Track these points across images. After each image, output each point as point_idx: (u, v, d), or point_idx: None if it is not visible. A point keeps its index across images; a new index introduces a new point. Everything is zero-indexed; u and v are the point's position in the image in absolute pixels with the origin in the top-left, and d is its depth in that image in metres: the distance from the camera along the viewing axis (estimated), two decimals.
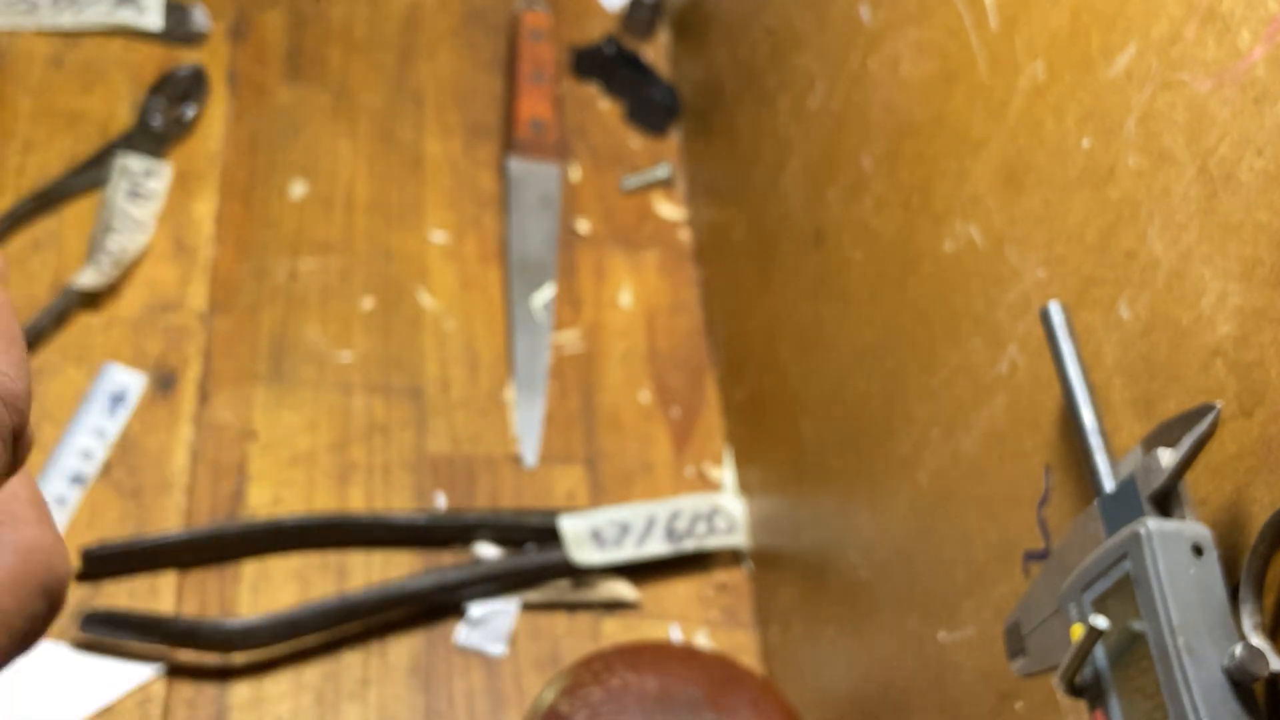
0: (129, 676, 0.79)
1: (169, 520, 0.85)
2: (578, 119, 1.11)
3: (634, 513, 0.89)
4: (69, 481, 0.84)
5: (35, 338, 0.89)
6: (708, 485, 0.94)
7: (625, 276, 1.03)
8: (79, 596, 0.81)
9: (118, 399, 0.88)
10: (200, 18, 1.06)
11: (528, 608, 0.87)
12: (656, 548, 0.88)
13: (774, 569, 0.87)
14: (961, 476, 0.62)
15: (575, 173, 1.08)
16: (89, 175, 0.97)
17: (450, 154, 1.06)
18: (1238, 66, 0.45)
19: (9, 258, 0.92)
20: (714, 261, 1.02)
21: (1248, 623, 0.41)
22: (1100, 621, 0.44)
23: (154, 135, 0.99)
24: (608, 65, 1.13)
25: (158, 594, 0.82)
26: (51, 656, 0.78)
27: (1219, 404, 0.43)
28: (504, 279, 1.01)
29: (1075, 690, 0.46)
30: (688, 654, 0.79)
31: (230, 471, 0.88)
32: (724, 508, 0.92)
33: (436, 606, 0.85)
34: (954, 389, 0.63)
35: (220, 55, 1.06)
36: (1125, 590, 0.44)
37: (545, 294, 1.00)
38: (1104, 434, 0.50)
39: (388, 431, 0.92)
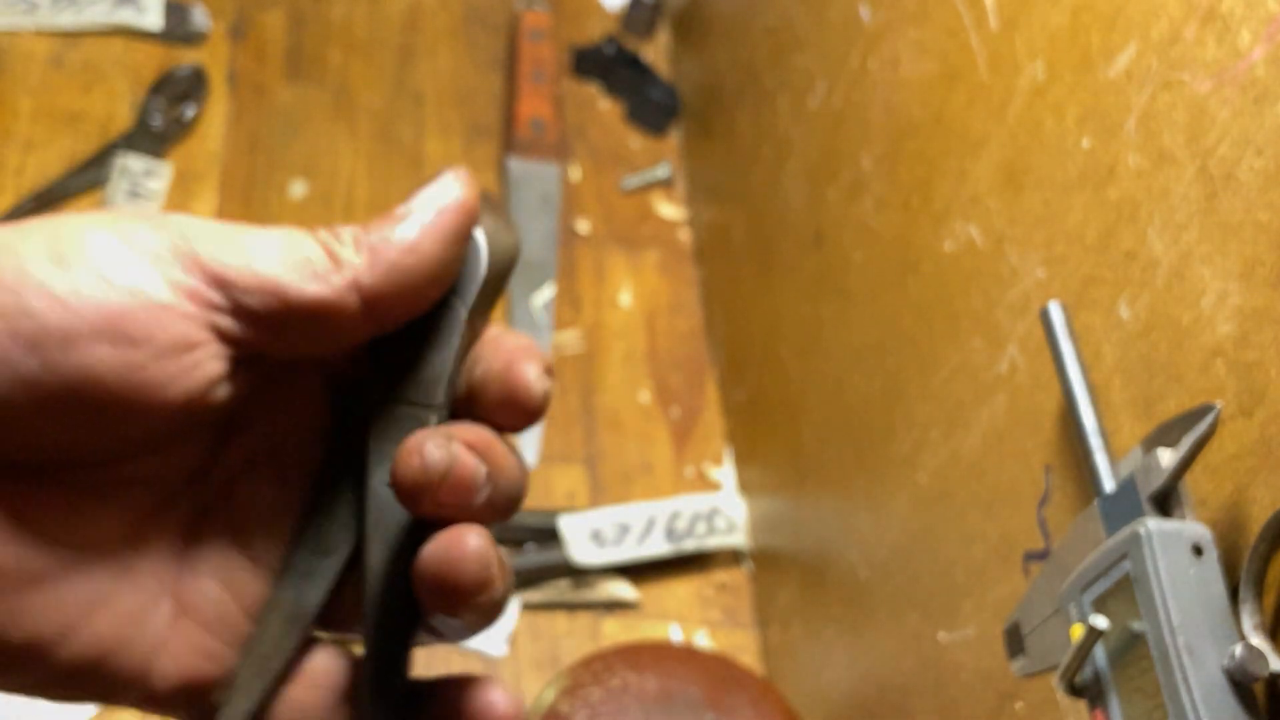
0: None
1: None
2: (578, 119, 1.11)
3: (634, 513, 0.89)
4: None
5: None
6: (708, 485, 0.94)
7: (625, 276, 1.03)
8: None
9: None
10: (200, 18, 1.06)
11: (528, 608, 0.87)
12: (656, 548, 0.88)
13: (774, 569, 0.87)
14: (961, 476, 0.62)
15: (575, 173, 1.08)
16: (89, 175, 0.97)
17: (450, 154, 1.06)
18: (1238, 66, 0.45)
19: None
20: (714, 261, 1.02)
21: (1248, 623, 0.41)
22: (1100, 621, 0.44)
23: (154, 135, 0.99)
24: (608, 65, 1.13)
25: None
26: None
27: (1219, 404, 0.43)
28: None
29: (1075, 690, 0.46)
30: (688, 654, 0.79)
31: None
32: (724, 508, 0.91)
33: None
34: (954, 389, 0.63)
35: (220, 55, 1.06)
36: (1125, 590, 0.44)
37: (545, 294, 1.00)
38: (1104, 434, 0.50)
39: None
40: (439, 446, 0.35)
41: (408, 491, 0.35)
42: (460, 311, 0.38)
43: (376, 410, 0.38)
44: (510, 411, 0.38)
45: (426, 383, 0.38)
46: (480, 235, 0.38)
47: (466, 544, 0.34)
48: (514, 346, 0.38)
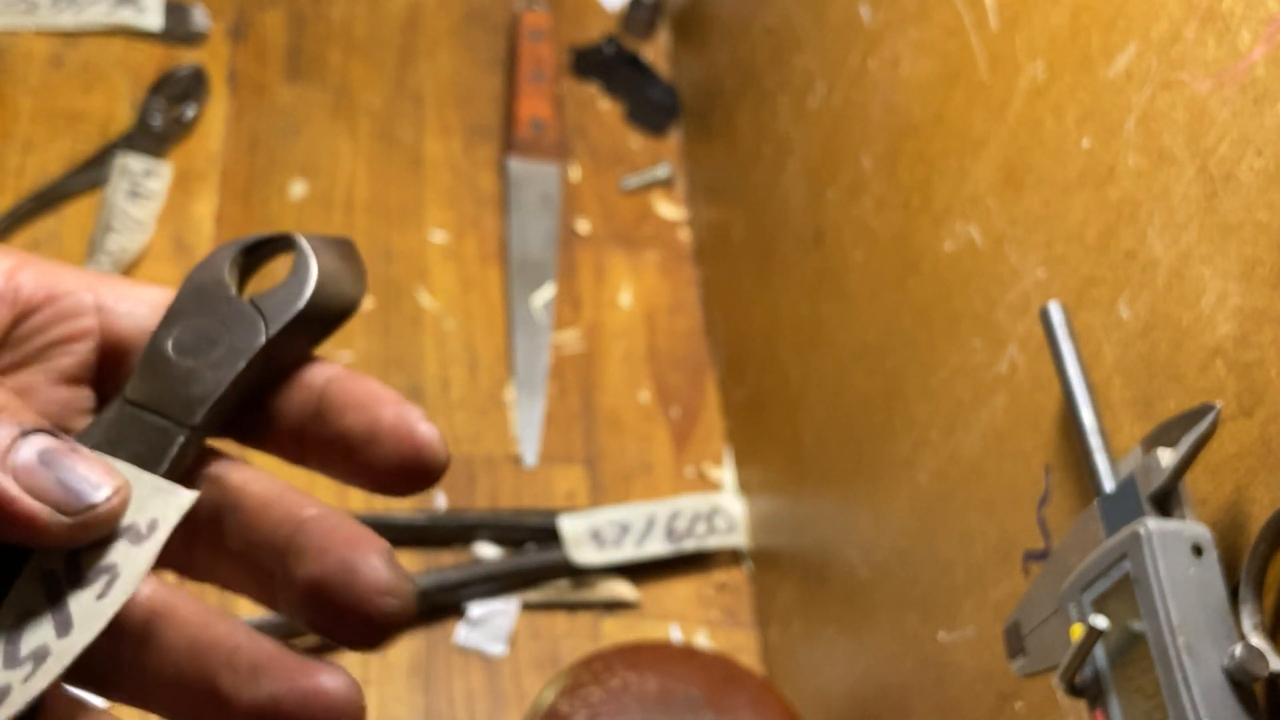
0: None
1: None
2: (578, 119, 1.11)
3: (634, 513, 0.89)
4: None
5: None
6: (708, 485, 0.94)
7: (625, 276, 1.03)
8: None
9: None
10: (200, 18, 1.06)
11: (528, 608, 0.87)
12: (656, 548, 0.88)
13: (774, 569, 0.87)
14: (961, 476, 0.62)
15: (575, 173, 1.08)
16: (89, 175, 0.97)
17: (450, 154, 1.06)
18: (1238, 66, 0.45)
19: None
20: (714, 261, 1.02)
21: (1248, 623, 0.41)
22: (1100, 621, 0.44)
23: (154, 135, 0.99)
24: (608, 65, 1.13)
25: None
26: None
27: (1219, 404, 0.43)
28: (504, 279, 1.01)
29: (1075, 690, 0.46)
30: (688, 654, 0.79)
31: None
32: (724, 508, 0.91)
33: (436, 606, 0.85)
34: (954, 389, 0.63)
35: (220, 55, 1.06)
36: (1125, 590, 0.44)
37: (545, 294, 1.00)
38: (1104, 434, 0.50)
39: None
40: (400, 580, 0.31)
41: (359, 632, 0.31)
42: (259, 335, 0.34)
43: (109, 405, 0.34)
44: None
45: (187, 398, 0.33)
46: (311, 262, 0.35)
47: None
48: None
